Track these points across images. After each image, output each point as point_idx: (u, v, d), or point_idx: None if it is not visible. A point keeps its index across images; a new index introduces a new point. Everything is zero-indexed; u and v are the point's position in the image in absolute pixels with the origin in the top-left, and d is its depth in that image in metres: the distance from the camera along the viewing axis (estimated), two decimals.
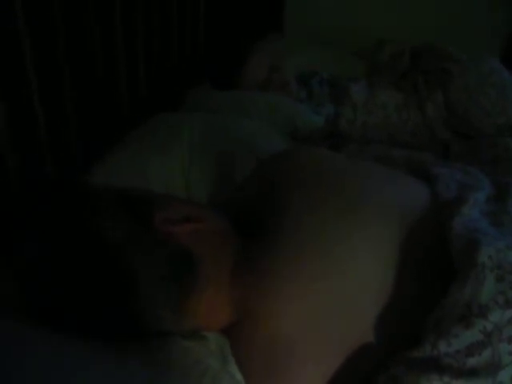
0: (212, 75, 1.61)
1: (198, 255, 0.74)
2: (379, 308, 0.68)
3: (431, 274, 0.72)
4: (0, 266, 0.79)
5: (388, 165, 1.29)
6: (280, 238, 0.73)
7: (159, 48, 1.43)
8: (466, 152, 1.41)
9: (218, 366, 0.67)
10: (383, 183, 0.81)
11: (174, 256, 0.73)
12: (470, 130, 1.50)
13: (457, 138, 1.51)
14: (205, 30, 1.73)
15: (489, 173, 1.23)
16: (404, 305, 0.70)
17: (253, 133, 1.15)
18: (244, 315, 0.72)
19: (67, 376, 0.58)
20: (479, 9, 2.15)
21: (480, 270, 0.62)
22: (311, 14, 2.41)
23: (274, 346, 0.67)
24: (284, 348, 0.67)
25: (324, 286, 0.67)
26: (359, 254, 0.70)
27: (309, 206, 0.75)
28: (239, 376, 0.68)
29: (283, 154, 0.92)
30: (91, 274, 0.69)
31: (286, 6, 2.47)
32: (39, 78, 0.97)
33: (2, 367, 0.55)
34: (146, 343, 0.70)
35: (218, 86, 1.61)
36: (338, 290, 0.68)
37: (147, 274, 0.71)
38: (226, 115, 1.26)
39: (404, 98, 1.57)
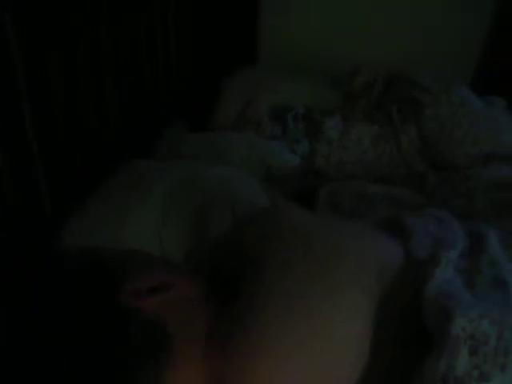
0: (186, 113, 1.61)
1: (170, 328, 0.73)
2: (356, 379, 0.67)
3: (408, 338, 0.72)
4: None
5: (365, 207, 1.32)
6: (252, 311, 0.72)
7: (130, 85, 1.42)
8: (441, 184, 1.42)
9: None
10: (359, 245, 0.81)
11: (145, 331, 0.72)
12: (443, 162, 1.52)
13: (432, 169, 1.52)
14: (177, 66, 1.72)
15: (466, 209, 1.26)
16: (381, 372, 0.69)
17: (228, 183, 1.14)
18: None
19: None
20: (451, 33, 2.18)
21: (454, 342, 0.61)
22: (285, 43, 2.43)
23: None
24: None
25: (298, 362, 0.66)
26: (335, 325, 0.69)
27: (282, 275, 0.74)
28: None
29: (258, 217, 0.91)
30: (64, 352, 0.68)
31: (260, 37, 2.50)
32: None
33: None
34: None
35: (192, 124, 1.60)
36: (312, 366, 0.67)
37: (120, 351, 0.69)
38: (201, 164, 1.25)
39: (378, 131, 1.58)
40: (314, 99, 1.87)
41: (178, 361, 0.72)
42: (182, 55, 1.75)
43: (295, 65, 2.31)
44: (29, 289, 0.87)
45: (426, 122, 1.55)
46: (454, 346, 0.61)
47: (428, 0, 2.22)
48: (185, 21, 1.72)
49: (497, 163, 1.46)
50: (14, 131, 1.02)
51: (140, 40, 1.46)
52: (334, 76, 2.07)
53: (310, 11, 2.39)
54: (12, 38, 0.94)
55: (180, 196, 1.10)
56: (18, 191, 1.06)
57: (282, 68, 2.24)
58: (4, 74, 0.96)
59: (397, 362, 0.71)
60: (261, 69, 2.28)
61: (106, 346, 0.69)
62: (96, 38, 1.24)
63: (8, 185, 1.02)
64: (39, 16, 1.01)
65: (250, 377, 0.66)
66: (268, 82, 1.92)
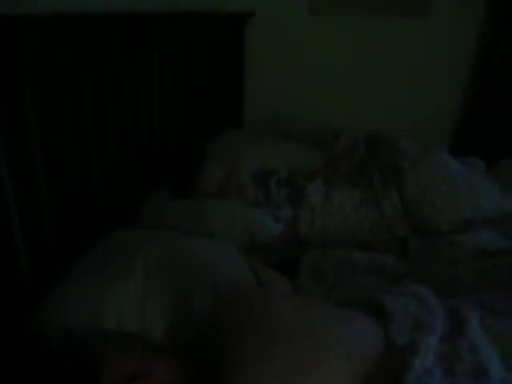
0: (170, 179, 1.62)
1: None
2: None
3: None
4: None
5: (349, 275, 1.31)
6: None
7: (115, 149, 1.43)
8: (424, 250, 1.43)
9: None
10: (340, 331, 0.80)
11: None
12: (425, 227, 1.53)
13: (415, 234, 1.53)
14: (161, 131, 1.74)
15: (448, 277, 1.26)
16: None
17: (211, 258, 1.13)
18: None
19: None
20: (429, 98, 2.26)
21: None
22: (269, 109, 2.50)
23: None
24: None
25: None
26: None
27: (261, 361, 0.73)
28: None
29: (239, 302, 0.90)
30: None
31: (245, 103, 2.58)
32: None
33: None
34: None
35: (176, 188, 1.60)
36: None
37: None
38: (184, 237, 1.25)
39: (360, 196, 1.60)
40: (297, 162, 1.90)
41: None
42: (166, 120, 1.78)
43: (278, 129, 2.37)
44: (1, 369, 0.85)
45: (406, 188, 1.58)
46: None
47: (403, 73, 2.30)
48: (170, 86, 1.76)
49: (478, 227, 1.48)
50: None
51: (124, 104, 1.48)
52: (316, 140, 2.13)
53: (293, 80, 2.47)
54: None
55: (162, 272, 1.08)
56: None
57: (266, 132, 2.30)
58: None
59: None
60: (245, 133, 2.33)
61: None
62: (80, 103, 1.26)
63: None
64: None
65: None
66: (251, 147, 1.95)
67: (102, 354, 0.82)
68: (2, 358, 0.94)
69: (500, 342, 0.81)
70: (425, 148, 1.73)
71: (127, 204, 1.54)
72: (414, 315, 0.85)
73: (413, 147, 1.76)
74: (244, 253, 1.31)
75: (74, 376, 0.81)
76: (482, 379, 0.72)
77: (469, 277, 1.24)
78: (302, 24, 2.35)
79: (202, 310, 1.00)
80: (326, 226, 1.53)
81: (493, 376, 0.73)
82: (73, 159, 1.26)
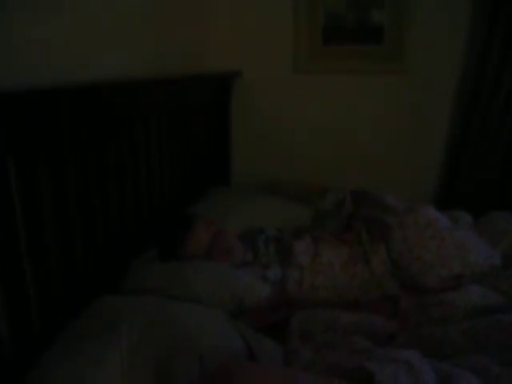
0: (157, 242, 1.61)
1: None
2: None
3: None
4: None
5: (338, 337, 1.28)
6: None
7: (101, 216, 1.43)
8: (414, 309, 1.41)
9: None
10: None
11: None
12: (414, 284, 1.52)
13: (405, 291, 1.51)
14: (148, 196, 1.75)
15: (439, 339, 1.23)
16: None
17: (197, 326, 1.09)
18: None
19: None
20: (414, 150, 2.31)
21: None
22: (257, 165, 2.54)
23: None
24: None
25: None
26: None
27: None
28: None
29: (221, 378, 0.88)
30: None
31: (232, 160, 2.61)
32: None
33: None
34: None
35: (163, 252, 1.58)
36: None
37: None
38: (169, 304, 1.22)
39: (349, 253, 1.59)
40: (285, 220, 1.91)
41: None
42: (153, 185, 1.79)
43: (266, 185, 2.40)
44: None
45: (394, 244, 1.57)
46: None
47: (387, 127, 2.35)
48: (156, 152, 1.78)
49: (467, 283, 1.47)
50: None
51: (109, 171, 1.49)
52: (303, 196, 2.14)
53: (279, 137, 2.52)
54: None
55: (147, 345, 1.05)
56: None
57: (253, 189, 2.31)
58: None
59: None
60: (232, 191, 2.34)
61: None
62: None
63: None
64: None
65: None
66: (238, 206, 1.96)
67: None
68: None
69: None
70: (411, 204, 1.75)
71: (113, 268, 1.53)
72: None
73: (399, 203, 1.78)
74: (232, 318, 1.29)
75: None
76: None
77: (460, 338, 1.21)
78: (287, 82, 2.42)
79: (186, 382, 0.97)
80: (316, 285, 1.51)
81: None
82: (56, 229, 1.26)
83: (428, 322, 1.33)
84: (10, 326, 1.12)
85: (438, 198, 2.25)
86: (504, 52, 2.01)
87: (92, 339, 1.09)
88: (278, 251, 1.64)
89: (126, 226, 1.60)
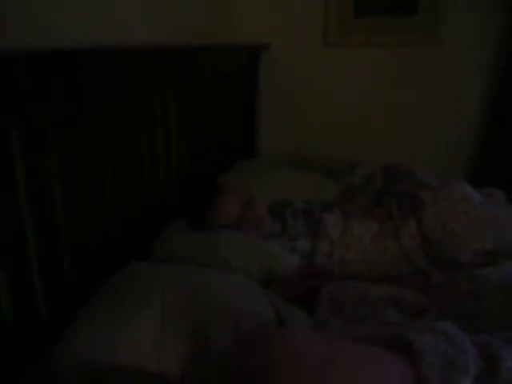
0: (186, 212, 1.61)
1: None
2: None
3: None
4: None
5: (369, 310, 1.27)
6: None
7: (132, 182, 1.43)
8: (446, 284, 1.38)
9: None
10: (367, 371, 0.76)
11: None
12: (446, 259, 1.49)
13: (436, 266, 1.49)
14: (177, 166, 1.74)
15: (472, 312, 1.21)
16: None
17: (229, 293, 1.10)
18: None
19: None
20: (446, 129, 2.26)
21: None
22: (283, 140, 2.51)
23: None
24: None
25: None
26: None
27: None
28: None
29: (261, 342, 0.87)
30: None
31: (258, 135, 2.59)
32: None
33: None
34: None
35: (191, 221, 1.59)
36: None
37: None
38: (200, 270, 1.23)
39: (379, 228, 1.57)
40: (312, 193, 1.88)
41: None
42: (182, 153, 1.78)
43: (291, 161, 2.37)
44: None
45: (426, 219, 1.54)
46: None
47: (417, 103, 2.29)
48: (186, 123, 1.76)
49: (501, 259, 1.44)
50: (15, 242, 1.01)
51: (141, 141, 1.48)
52: (331, 170, 2.11)
53: (306, 112, 2.48)
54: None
55: (179, 307, 1.05)
56: (16, 302, 1.03)
57: (279, 163, 2.29)
58: (6, 189, 0.97)
59: None
60: (258, 164, 2.32)
61: None
62: (97, 138, 1.26)
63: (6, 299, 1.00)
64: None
65: None
66: (266, 178, 1.94)
67: None
68: None
69: None
70: (445, 179, 1.71)
71: (143, 239, 1.53)
72: (446, 354, 0.81)
73: (431, 178, 1.74)
74: (262, 287, 1.28)
75: None
76: None
77: (494, 312, 1.19)
78: (316, 56, 2.37)
79: (220, 348, 0.97)
80: (345, 258, 1.50)
81: None
82: (90, 193, 1.26)
83: (460, 297, 1.31)
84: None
85: (470, 175, 2.20)
86: None
87: (124, 304, 1.09)
88: (307, 224, 1.63)
89: (156, 198, 1.60)
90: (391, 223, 1.59)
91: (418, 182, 1.71)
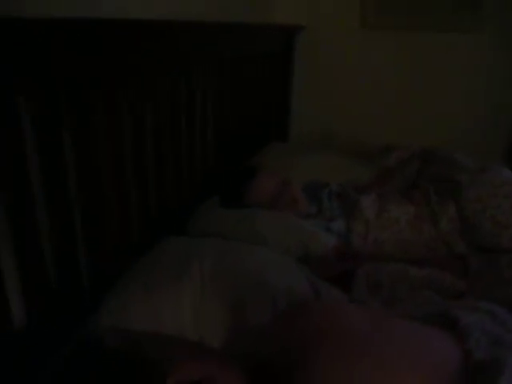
0: (221, 190, 1.61)
1: None
2: None
3: None
4: None
5: (406, 291, 1.26)
6: None
7: (171, 163, 1.44)
8: (485, 269, 1.36)
9: None
10: (415, 344, 0.75)
11: None
12: (485, 243, 1.46)
13: (474, 251, 1.46)
14: (214, 144, 1.74)
15: None
16: None
17: (267, 268, 1.10)
18: None
19: None
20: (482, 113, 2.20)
21: None
22: (316, 122, 2.49)
23: None
24: None
25: None
26: None
27: (336, 371, 0.70)
28: None
29: (303, 312, 0.87)
30: None
31: (291, 116, 2.57)
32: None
33: None
34: None
35: (227, 200, 1.60)
36: None
37: None
38: (238, 244, 1.23)
39: (416, 211, 1.55)
40: (347, 176, 1.87)
41: None
42: (217, 133, 1.78)
43: (323, 143, 2.35)
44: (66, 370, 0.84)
45: (466, 203, 1.51)
46: None
47: (455, 88, 2.24)
48: (220, 103, 1.76)
49: None
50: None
51: (179, 118, 1.48)
52: (364, 153, 2.09)
53: (341, 94, 2.45)
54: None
55: (218, 279, 1.06)
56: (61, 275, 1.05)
57: (312, 145, 2.28)
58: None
59: None
60: (292, 146, 2.32)
61: None
62: (139, 117, 1.27)
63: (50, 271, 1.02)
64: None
65: None
66: (300, 160, 1.93)
67: (162, 358, 0.79)
68: (58, 358, 0.94)
69: None
70: (483, 163, 1.67)
71: (179, 217, 1.55)
72: (492, 332, 0.80)
73: (470, 162, 1.70)
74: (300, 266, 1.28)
75: (132, 378, 0.79)
76: None
77: None
78: (352, 37, 2.34)
79: (258, 322, 0.97)
80: (381, 240, 1.48)
81: None
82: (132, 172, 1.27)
83: (499, 283, 1.29)
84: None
85: (510, 160, 2.15)
86: None
87: (164, 274, 1.10)
88: (342, 206, 1.61)
89: (192, 176, 1.61)
90: (428, 207, 1.57)
91: (457, 166, 1.68)
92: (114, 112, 1.14)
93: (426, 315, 0.90)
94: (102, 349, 0.87)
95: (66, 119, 0.99)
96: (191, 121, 1.56)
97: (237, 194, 1.56)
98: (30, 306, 0.98)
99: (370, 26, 2.29)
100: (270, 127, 2.39)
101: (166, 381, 0.70)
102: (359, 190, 1.70)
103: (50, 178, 0.97)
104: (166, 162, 1.42)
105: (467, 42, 2.16)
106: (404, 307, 1.12)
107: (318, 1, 2.34)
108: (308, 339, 0.76)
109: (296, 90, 2.53)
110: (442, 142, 2.05)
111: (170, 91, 1.40)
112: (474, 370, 0.71)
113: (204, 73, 1.61)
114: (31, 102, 0.90)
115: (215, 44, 1.63)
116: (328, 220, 1.54)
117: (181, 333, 1.01)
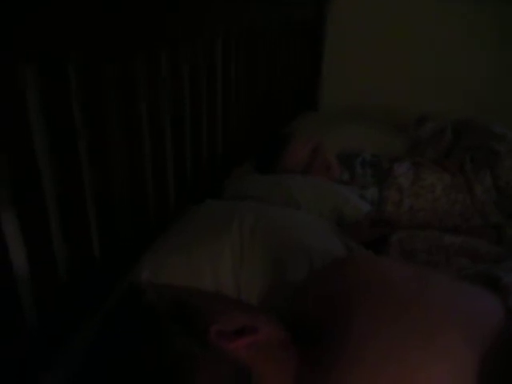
0: (257, 157, 1.62)
1: (258, 373, 0.71)
2: None
3: None
4: None
5: (441, 258, 1.26)
6: (344, 362, 0.69)
7: (206, 132, 1.44)
8: None
9: None
10: (457, 299, 0.76)
11: (232, 375, 0.70)
12: None
13: (509, 221, 1.45)
14: (248, 110, 1.74)
15: None
16: None
17: (304, 229, 1.12)
18: None
19: None
20: None
21: None
22: (347, 92, 2.45)
23: None
24: None
25: None
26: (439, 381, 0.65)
27: (374, 329, 0.71)
28: None
29: (346, 264, 0.88)
30: None
31: (321, 85, 2.54)
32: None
33: None
34: None
35: (261, 166, 1.61)
36: None
37: None
38: (275, 207, 1.24)
39: (451, 179, 1.53)
40: (379, 145, 1.85)
41: None
42: (250, 104, 1.77)
43: (355, 112, 2.32)
44: (108, 326, 0.87)
45: (502, 172, 1.49)
46: None
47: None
48: (256, 68, 1.74)
49: None
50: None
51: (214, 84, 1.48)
52: (397, 123, 2.06)
53: (371, 61, 2.41)
54: None
55: (256, 237, 1.07)
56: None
57: (343, 115, 2.25)
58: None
59: None
60: (323, 116, 2.29)
61: None
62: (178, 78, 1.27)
63: None
64: None
65: None
66: (332, 128, 1.93)
67: (203, 311, 0.81)
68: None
69: None
70: None
71: (213, 180, 1.56)
72: None
73: (509, 132, 1.67)
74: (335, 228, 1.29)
75: (173, 332, 0.80)
76: None
77: None
78: (387, 3, 2.28)
79: (297, 281, 0.99)
80: (415, 208, 1.48)
81: None
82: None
83: None
84: None
85: None
86: None
87: (203, 233, 1.11)
88: (375, 174, 1.61)
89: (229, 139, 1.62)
90: (463, 177, 1.55)
91: (494, 135, 1.65)
92: (155, 72, 1.15)
93: (467, 276, 0.90)
94: (143, 301, 0.89)
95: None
96: (227, 84, 1.55)
97: (272, 159, 1.57)
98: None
99: None
100: (301, 97, 2.38)
101: (210, 329, 0.73)
102: (393, 159, 1.68)
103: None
104: (201, 124, 1.42)
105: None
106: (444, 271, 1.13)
107: None
108: (353, 287, 0.77)
109: (327, 59, 2.50)
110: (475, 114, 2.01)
111: (208, 54, 1.39)
112: None
113: (238, 38, 1.59)
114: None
115: (247, 10, 1.61)
116: (361, 187, 1.54)
117: (220, 290, 1.03)
